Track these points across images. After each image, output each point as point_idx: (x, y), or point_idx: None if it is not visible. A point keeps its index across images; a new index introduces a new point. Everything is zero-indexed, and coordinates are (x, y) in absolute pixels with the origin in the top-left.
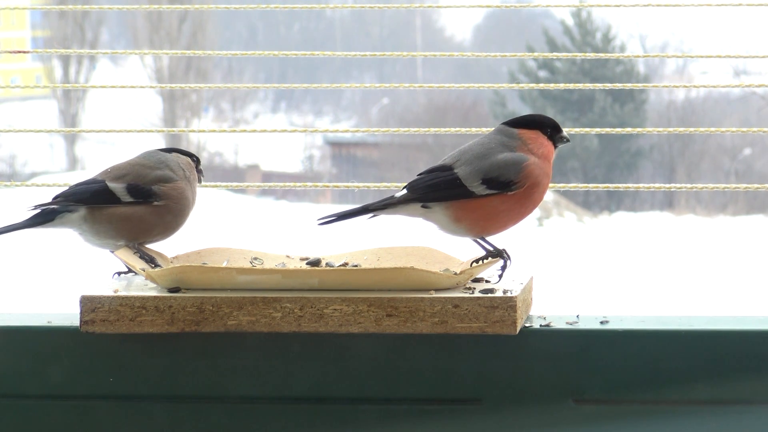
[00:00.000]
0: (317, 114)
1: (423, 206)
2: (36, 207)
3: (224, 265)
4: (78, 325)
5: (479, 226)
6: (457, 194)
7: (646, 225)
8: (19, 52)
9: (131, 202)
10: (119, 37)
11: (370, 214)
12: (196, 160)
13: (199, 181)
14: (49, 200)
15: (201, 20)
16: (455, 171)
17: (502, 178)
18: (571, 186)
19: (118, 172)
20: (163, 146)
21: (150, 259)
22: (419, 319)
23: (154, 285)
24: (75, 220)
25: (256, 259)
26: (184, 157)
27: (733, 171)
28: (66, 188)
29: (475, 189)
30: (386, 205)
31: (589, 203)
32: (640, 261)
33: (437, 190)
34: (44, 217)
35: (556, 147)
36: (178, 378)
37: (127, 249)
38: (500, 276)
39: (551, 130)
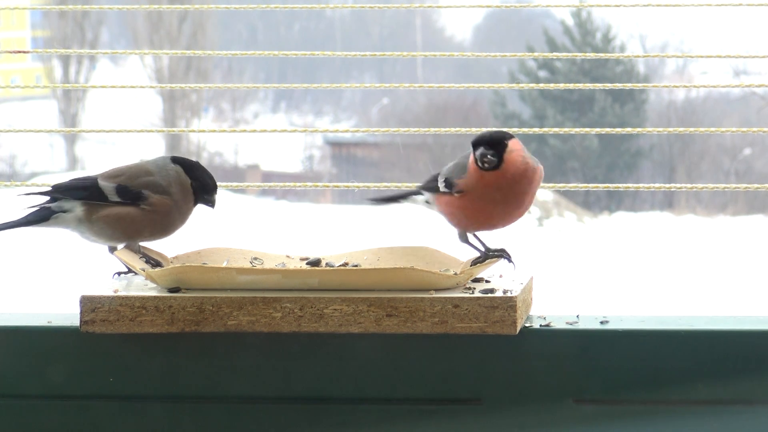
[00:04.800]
0: (317, 114)
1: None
2: (32, 202)
3: (224, 265)
4: (78, 325)
5: (452, 220)
6: (433, 188)
7: (646, 225)
8: (19, 52)
9: (118, 202)
10: (119, 37)
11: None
12: (199, 186)
13: (211, 205)
14: (47, 189)
15: (201, 20)
16: (443, 169)
17: (451, 179)
18: (571, 186)
19: (115, 172)
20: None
21: (150, 260)
22: (419, 319)
23: (154, 285)
24: (70, 219)
25: (256, 259)
26: (185, 177)
27: (733, 171)
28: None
29: (440, 186)
30: (428, 188)
31: (589, 203)
32: (640, 261)
33: (428, 182)
34: (40, 215)
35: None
36: (178, 378)
37: (127, 249)
38: (509, 260)
39: (473, 146)
